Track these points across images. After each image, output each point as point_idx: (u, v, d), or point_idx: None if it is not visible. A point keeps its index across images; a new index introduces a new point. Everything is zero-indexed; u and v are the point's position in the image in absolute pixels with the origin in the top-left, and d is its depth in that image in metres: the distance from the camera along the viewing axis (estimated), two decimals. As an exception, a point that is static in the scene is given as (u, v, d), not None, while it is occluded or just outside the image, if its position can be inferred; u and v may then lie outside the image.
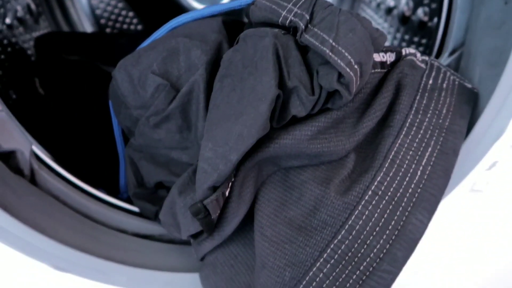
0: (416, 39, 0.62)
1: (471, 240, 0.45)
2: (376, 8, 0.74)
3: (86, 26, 0.79)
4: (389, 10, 0.70)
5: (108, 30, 0.80)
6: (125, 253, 0.42)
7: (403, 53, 0.37)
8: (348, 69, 0.30)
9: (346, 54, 0.30)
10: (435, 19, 0.54)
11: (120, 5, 0.79)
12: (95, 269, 0.39)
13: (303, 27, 0.32)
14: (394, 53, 0.37)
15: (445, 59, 0.45)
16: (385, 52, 0.36)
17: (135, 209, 0.48)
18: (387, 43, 0.69)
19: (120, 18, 0.80)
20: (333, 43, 0.30)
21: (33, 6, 0.68)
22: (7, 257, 0.36)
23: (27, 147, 0.42)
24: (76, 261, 0.38)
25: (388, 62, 0.36)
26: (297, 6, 0.33)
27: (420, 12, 0.61)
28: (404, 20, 0.65)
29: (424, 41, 0.59)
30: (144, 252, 0.44)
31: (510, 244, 0.45)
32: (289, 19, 0.33)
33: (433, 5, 0.56)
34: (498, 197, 0.42)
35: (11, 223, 0.36)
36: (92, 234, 0.42)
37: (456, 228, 0.43)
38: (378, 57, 0.35)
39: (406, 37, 0.64)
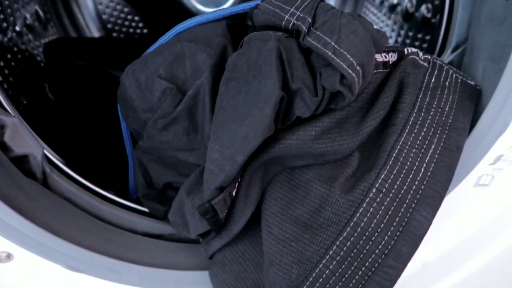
0: (420, 35, 0.62)
1: (477, 234, 0.45)
2: (379, 6, 0.75)
3: (93, 31, 0.80)
4: (392, 7, 0.70)
5: (114, 34, 0.81)
6: (136, 253, 0.43)
7: (405, 52, 0.38)
8: (350, 71, 0.30)
9: (348, 56, 0.30)
10: (438, 16, 0.54)
11: (126, 9, 0.80)
12: (107, 269, 0.40)
13: (306, 30, 0.32)
14: (396, 53, 0.37)
15: (448, 56, 0.46)
16: (387, 52, 0.36)
17: (145, 209, 0.49)
18: (391, 41, 0.69)
19: (126, 23, 0.81)
20: (335, 46, 0.31)
21: (41, 13, 0.70)
22: (21, 258, 0.38)
23: (39, 151, 0.43)
24: (88, 261, 0.39)
25: (391, 62, 0.37)
26: (300, 9, 0.34)
27: (423, 8, 0.61)
28: (407, 16, 0.66)
29: (428, 37, 0.60)
30: (155, 251, 0.45)
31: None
32: (292, 22, 0.34)
33: (436, 2, 0.56)
34: (505, 191, 0.42)
35: (25, 225, 0.37)
36: (103, 234, 0.44)
37: (462, 222, 0.44)
38: (380, 57, 0.36)
39: (410, 33, 0.65)
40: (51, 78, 0.62)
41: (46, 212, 0.41)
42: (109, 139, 0.52)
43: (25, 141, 0.42)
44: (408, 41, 0.65)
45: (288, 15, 0.34)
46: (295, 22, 0.33)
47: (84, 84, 0.61)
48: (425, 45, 0.59)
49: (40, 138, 0.46)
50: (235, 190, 0.34)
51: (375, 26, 0.59)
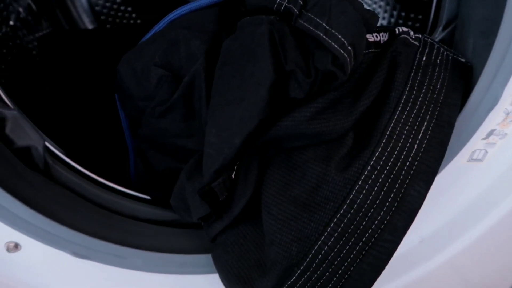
0: (412, 15, 0.62)
1: (471, 208, 0.46)
2: (372, -13, 0.75)
3: (87, 23, 0.80)
4: (384, -12, 0.70)
5: (108, 26, 0.81)
6: (140, 238, 0.44)
7: (397, 31, 0.38)
8: (342, 51, 0.31)
9: (340, 36, 0.31)
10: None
11: (119, 0, 0.80)
12: (112, 254, 0.41)
13: (297, 12, 0.33)
14: (387, 33, 0.38)
15: (439, 33, 0.46)
16: (378, 32, 0.37)
17: (146, 197, 0.50)
18: (384, 22, 0.70)
19: (120, 13, 0.81)
20: (327, 27, 0.31)
21: (34, 6, 0.69)
22: (29, 247, 0.39)
23: (40, 142, 0.43)
24: (94, 248, 0.40)
25: (382, 42, 0.37)
26: (290, -8, 0.34)
27: (415, -12, 0.61)
28: (399, -3, 0.66)
29: (420, 16, 0.60)
30: (158, 236, 0.46)
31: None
32: (284, 5, 0.34)
33: (427, -19, 0.56)
34: (498, 165, 0.43)
35: (31, 215, 0.38)
36: (107, 222, 0.45)
37: (456, 196, 0.45)
38: (371, 37, 0.36)
39: (403, 13, 0.65)
40: (48, 71, 0.63)
41: (50, 202, 0.42)
42: (109, 129, 0.52)
43: (26, 133, 0.43)
44: (401, 21, 0.65)
45: (279, -2, 0.35)
46: (287, 5, 0.34)
47: (81, 76, 0.61)
48: (417, 25, 0.60)
49: (40, 131, 0.46)
50: (234, 173, 0.35)
51: (367, 7, 0.59)
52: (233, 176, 0.35)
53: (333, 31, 0.31)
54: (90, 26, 0.81)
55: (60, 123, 0.54)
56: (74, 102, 0.58)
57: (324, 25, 0.31)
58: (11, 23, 0.62)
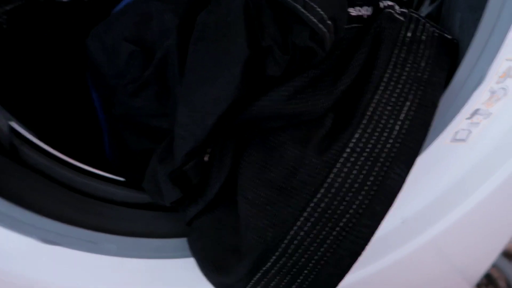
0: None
1: (454, 189, 0.45)
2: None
3: (61, -5, 0.75)
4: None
5: (84, -2, 0.77)
6: (114, 222, 0.43)
7: (381, 5, 0.36)
8: (321, 25, 0.29)
9: (319, 9, 0.29)
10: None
11: (95, -30, 0.76)
12: (84, 240, 0.39)
13: (274, -17, 0.31)
14: (371, 7, 0.36)
15: (426, 7, 0.44)
16: (361, 6, 0.35)
17: (122, 179, 0.48)
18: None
19: (96, -15, 0.77)
20: (305, -1, 0.29)
21: (2, -24, 0.65)
22: (-6, 234, 0.37)
23: (4, 123, 0.41)
24: (63, 233, 0.38)
25: (365, 16, 0.35)
26: (268, -39, 0.32)
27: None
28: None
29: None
30: (133, 220, 0.45)
31: (494, 191, 0.46)
32: (260, -25, 0.32)
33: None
34: (481, 145, 0.42)
35: (-4, 200, 0.36)
36: (79, 206, 0.43)
37: (439, 177, 0.44)
38: (354, 11, 0.34)
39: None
40: (18, 46, 0.59)
41: (17, 186, 0.40)
42: (82, 108, 0.50)
43: (-11, 113, 0.41)
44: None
45: (256, -32, 0.32)
46: (264, -25, 0.31)
47: (53, 52, 0.58)
48: None
49: (7, 111, 0.44)
50: (208, 155, 0.34)
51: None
52: (207, 158, 0.34)
53: (312, 3, 0.29)
54: (65, -1, 0.77)
55: (29, 102, 0.51)
56: (45, 80, 0.55)
57: (303, -3, 0.29)
58: (-23, -6, 0.58)
